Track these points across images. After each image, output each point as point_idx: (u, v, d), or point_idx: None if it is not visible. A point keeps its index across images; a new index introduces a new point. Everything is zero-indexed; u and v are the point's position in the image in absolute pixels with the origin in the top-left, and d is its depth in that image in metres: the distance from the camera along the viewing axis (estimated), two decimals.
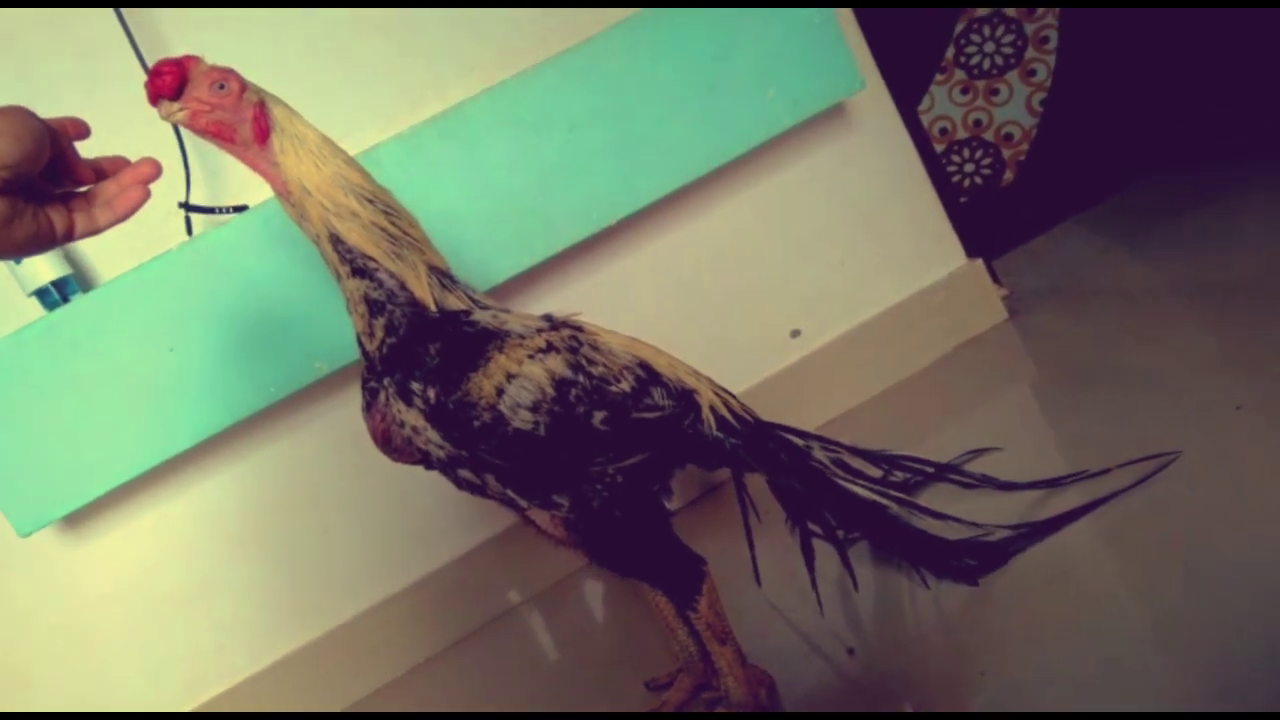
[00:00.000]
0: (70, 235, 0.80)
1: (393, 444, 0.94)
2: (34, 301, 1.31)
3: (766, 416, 1.04)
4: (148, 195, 0.82)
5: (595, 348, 0.91)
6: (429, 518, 1.50)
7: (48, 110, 0.77)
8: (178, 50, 1.29)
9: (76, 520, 1.38)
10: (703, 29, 1.40)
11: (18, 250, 0.76)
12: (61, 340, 1.28)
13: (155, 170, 0.83)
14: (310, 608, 1.48)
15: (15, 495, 1.28)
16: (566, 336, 0.90)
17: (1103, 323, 1.52)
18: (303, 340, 1.33)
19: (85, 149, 0.83)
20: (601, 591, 1.46)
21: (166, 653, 1.44)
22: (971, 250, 1.66)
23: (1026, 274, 1.83)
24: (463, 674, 1.43)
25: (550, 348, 0.88)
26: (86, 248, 1.38)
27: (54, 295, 1.30)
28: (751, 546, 1.05)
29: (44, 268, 1.29)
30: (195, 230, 1.38)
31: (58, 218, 0.79)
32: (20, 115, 0.72)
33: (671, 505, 1.49)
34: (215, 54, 0.89)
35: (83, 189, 0.82)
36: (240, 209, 1.36)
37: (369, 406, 0.94)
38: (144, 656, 1.44)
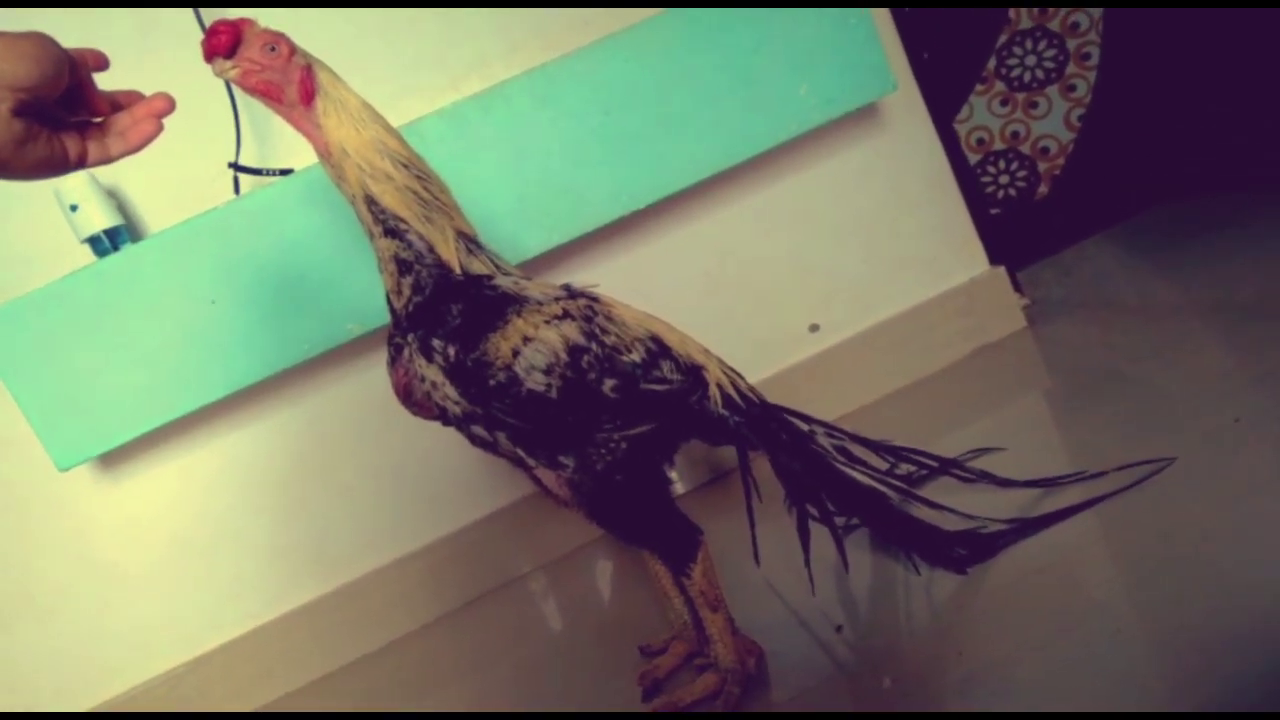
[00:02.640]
0: (83, 162, 0.83)
1: (413, 398, 0.99)
2: (86, 248, 1.37)
3: None
4: (160, 128, 0.86)
5: (609, 318, 0.95)
6: (447, 483, 1.55)
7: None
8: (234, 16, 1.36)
9: (112, 460, 1.45)
10: (740, 23, 1.43)
11: (30, 172, 0.78)
12: (109, 286, 1.34)
13: (168, 105, 0.86)
14: (328, 561, 1.53)
15: (56, 431, 1.35)
16: (582, 305, 0.94)
17: (1119, 336, 1.54)
18: (336, 302, 1.39)
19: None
20: (607, 564, 1.51)
21: (187, 594, 1.50)
22: (1000, 259, 1.69)
23: (1052, 285, 1.85)
24: (471, 633, 1.48)
25: (566, 315, 0.92)
26: (138, 201, 1.44)
27: (105, 243, 1.36)
28: (752, 525, 1.08)
29: (97, 216, 1.35)
30: (242, 190, 1.43)
31: (71, 144, 0.81)
32: (42, 40, 0.74)
33: (682, 487, 1.56)
34: (269, 25, 0.94)
35: (98, 120, 0.85)
36: (286, 172, 1.41)
37: (393, 361, 0.99)
38: (165, 596, 1.50)
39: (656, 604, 1.25)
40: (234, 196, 1.41)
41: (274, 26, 0.92)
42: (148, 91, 0.88)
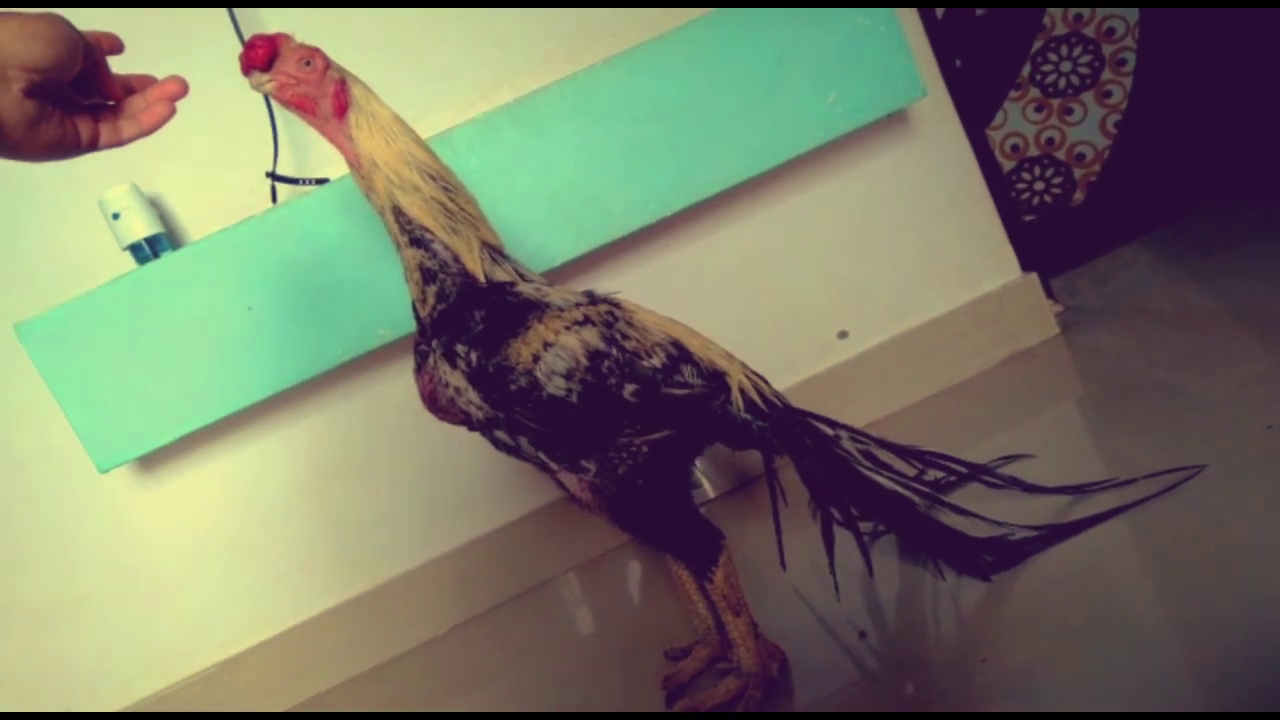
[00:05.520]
0: (95, 145, 0.83)
1: (438, 403, 1.00)
2: (127, 255, 1.41)
3: None
4: (173, 112, 0.85)
5: (630, 324, 0.96)
6: (477, 487, 1.57)
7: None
8: (271, 31, 1.39)
9: (150, 462, 1.48)
10: (767, 32, 1.44)
11: (41, 153, 0.78)
12: (150, 293, 1.38)
13: (182, 88, 0.86)
14: (359, 564, 1.56)
15: (97, 433, 1.38)
16: (603, 311, 0.95)
17: (1155, 343, 1.52)
18: (369, 308, 1.41)
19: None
20: (635, 568, 1.51)
21: (222, 595, 1.54)
22: (1035, 266, 1.68)
23: (1088, 292, 1.84)
24: (500, 636, 1.49)
25: (587, 320, 0.93)
26: (178, 209, 1.48)
27: (146, 251, 1.40)
28: (778, 529, 1.08)
29: (138, 225, 1.38)
30: (279, 199, 1.46)
31: (84, 127, 0.81)
32: (55, 22, 0.74)
33: (712, 491, 1.56)
34: (304, 39, 0.96)
35: (111, 103, 0.85)
36: (322, 182, 1.44)
37: (419, 368, 1.01)
38: (200, 597, 1.53)
39: (683, 608, 1.26)
40: (271, 205, 1.44)
41: (310, 40, 0.95)
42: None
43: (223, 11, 1.41)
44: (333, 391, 1.51)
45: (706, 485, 1.58)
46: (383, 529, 1.56)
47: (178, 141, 1.42)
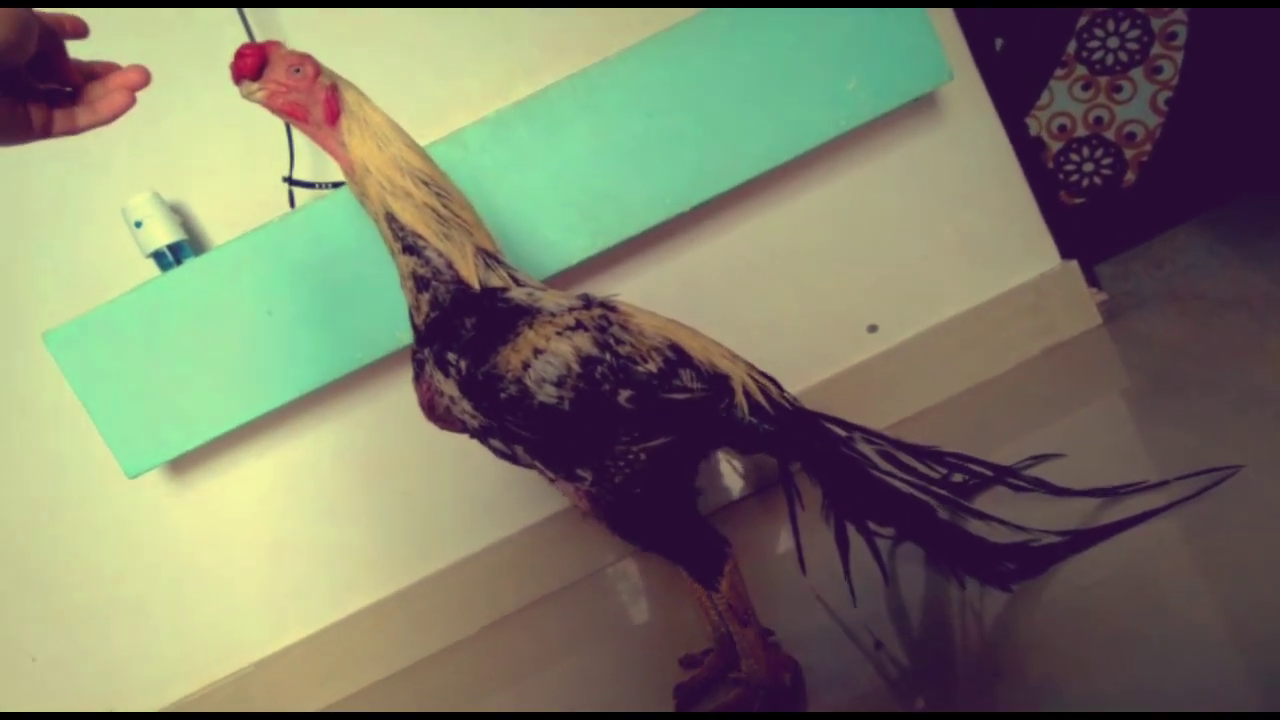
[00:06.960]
0: (48, 132, 0.80)
1: (436, 412, 0.99)
2: (150, 263, 1.42)
3: (839, 411, 1.04)
4: (132, 101, 0.82)
5: (625, 327, 0.93)
6: (503, 487, 1.56)
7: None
8: (288, 31, 1.39)
9: (181, 466, 1.50)
10: (783, 19, 1.40)
11: None
12: (173, 299, 1.39)
13: (143, 77, 0.82)
14: (388, 564, 1.56)
15: (125, 439, 1.40)
16: (597, 315, 0.93)
17: (1210, 329, 1.45)
18: (387, 311, 1.40)
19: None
20: (660, 568, 1.49)
21: (254, 596, 1.55)
22: (1086, 250, 1.61)
23: (1141, 276, 1.76)
24: (528, 637, 1.49)
25: (579, 325, 0.91)
26: (199, 216, 1.49)
27: (169, 258, 1.41)
28: (796, 534, 1.05)
29: (160, 232, 1.40)
30: (297, 203, 1.46)
31: (37, 113, 0.79)
32: (8, 6, 0.70)
33: (738, 493, 1.53)
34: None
35: (69, 90, 0.82)
36: (339, 185, 1.43)
37: (417, 377, 1.00)
38: (232, 598, 1.55)
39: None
40: (289, 210, 1.44)
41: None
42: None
43: (239, 15, 1.41)
44: (357, 393, 1.51)
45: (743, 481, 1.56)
46: (411, 529, 1.56)
47: (198, 148, 1.45)
